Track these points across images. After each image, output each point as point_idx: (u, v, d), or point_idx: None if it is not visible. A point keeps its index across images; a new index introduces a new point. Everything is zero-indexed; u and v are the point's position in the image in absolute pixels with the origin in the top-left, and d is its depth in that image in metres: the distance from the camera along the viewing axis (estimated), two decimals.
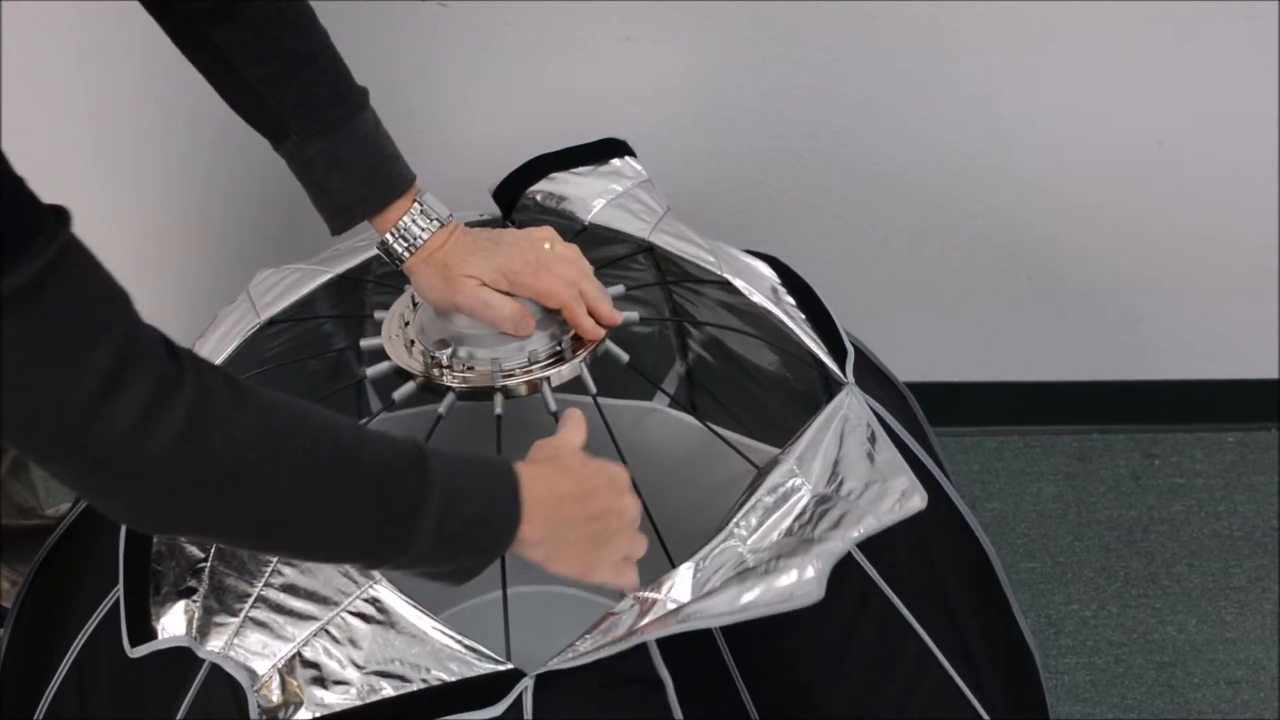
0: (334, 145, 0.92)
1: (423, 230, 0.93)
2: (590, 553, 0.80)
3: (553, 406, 0.92)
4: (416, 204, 0.94)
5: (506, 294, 0.92)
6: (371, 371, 0.97)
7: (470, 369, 0.94)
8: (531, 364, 0.94)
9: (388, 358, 0.97)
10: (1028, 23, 1.45)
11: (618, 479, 0.82)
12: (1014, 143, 1.56)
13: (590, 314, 0.94)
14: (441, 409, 0.93)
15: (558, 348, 0.95)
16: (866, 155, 1.56)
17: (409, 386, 0.95)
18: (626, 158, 1.15)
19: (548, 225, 0.98)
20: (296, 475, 0.68)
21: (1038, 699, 1.06)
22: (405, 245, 0.94)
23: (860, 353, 1.08)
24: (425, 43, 1.47)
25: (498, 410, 0.92)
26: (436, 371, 0.94)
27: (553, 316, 0.95)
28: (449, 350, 0.94)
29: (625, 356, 0.98)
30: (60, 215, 0.61)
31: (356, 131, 0.93)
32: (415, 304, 1.00)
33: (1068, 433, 1.83)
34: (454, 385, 0.93)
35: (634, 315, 1.00)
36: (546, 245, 0.94)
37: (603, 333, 0.95)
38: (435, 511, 0.71)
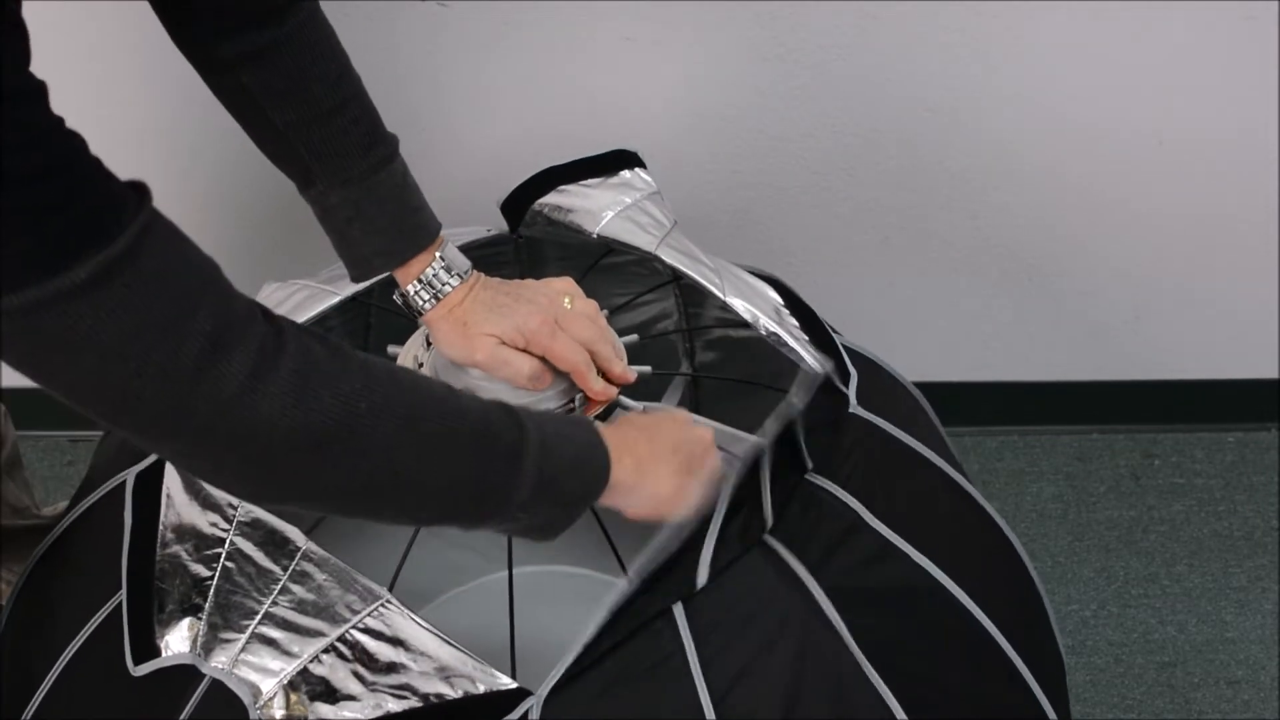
0: (358, 197, 0.91)
1: (444, 285, 0.92)
2: (686, 479, 0.83)
3: None
4: (439, 258, 0.93)
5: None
6: None
7: None
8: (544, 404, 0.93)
9: None
10: (1028, 23, 1.45)
11: (678, 415, 0.86)
12: (1014, 142, 1.55)
13: (603, 374, 0.94)
14: None
15: (571, 405, 0.94)
16: (866, 155, 1.56)
17: None
18: (636, 169, 1.14)
19: (568, 276, 0.96)
20: (404, 425, 0.68)
21: (1063, 695, 1.05)
22: (426, 299, 0.92)
23: (866, 360, 1.08)
24: (426, 43, 1.46)
25: None
26: None
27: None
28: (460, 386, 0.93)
29: (648, 369, 0.99)
30: (140, 190, 0.62)
31: (383, 184, 0.92)
32: (429, 344, 0.99)
33: (1068, 433, 1.83)
34: None
35: (647, 369, 0.99)
36: (566, 301, 0.93)
37: (614, 393, 0.94)
38: (534, 458, 0.73)
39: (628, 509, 0.82)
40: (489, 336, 0.91)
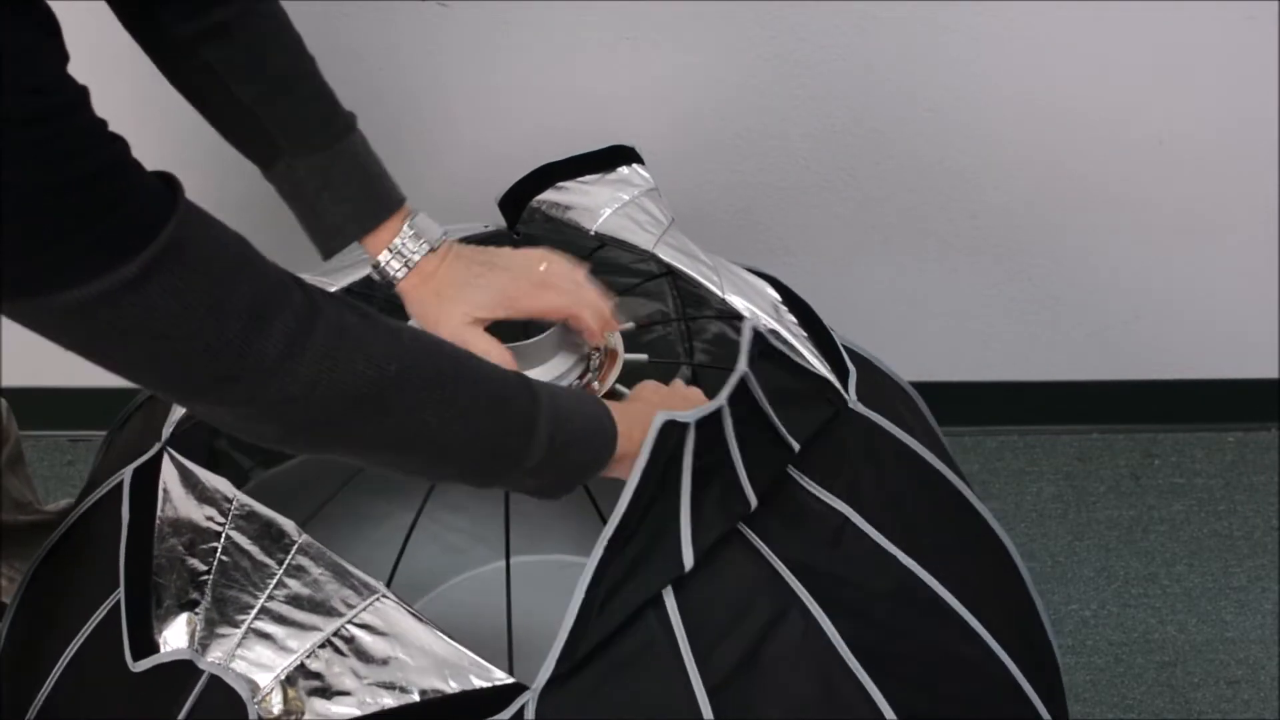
0: (326, 164, 0.93)
1: (413, 253, 0.93)
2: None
3: None
4: (408, 225, 0.94)
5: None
6: None
7: None
8: None
9: None
10: (1028, 23, 1.45)
11: (684, 390, 0.90)
12: (1014, 142, 1.55)
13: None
14: None
15: (586, 372, 0.95)
16: (867, 155, 1.56)
17: None
18: (634, 165, 1.14)
19: (545, 245, 0.97)
20: (431, 384, 0.73)
21: (1059, 696, 1.06)
22: (397, 269, 0.94)
23: (864, 359, 1.08)
24: (426, 43, 1.47)
25: None
26: None
27: (560, 348, 0.95)
28: None
29: (644, 357, 0.99)
30: (172, 183, 0.66)
31: (347, 151, 0.94)
32: None
33: (1068, 433, 1.83)
34: None
35: (642, 357, 1.00)
36: (542, 266, 0.94)
37: (615, 324, 0.97)
38: (547, 423, 0.77)
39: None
40: (461, 311, 0.92)
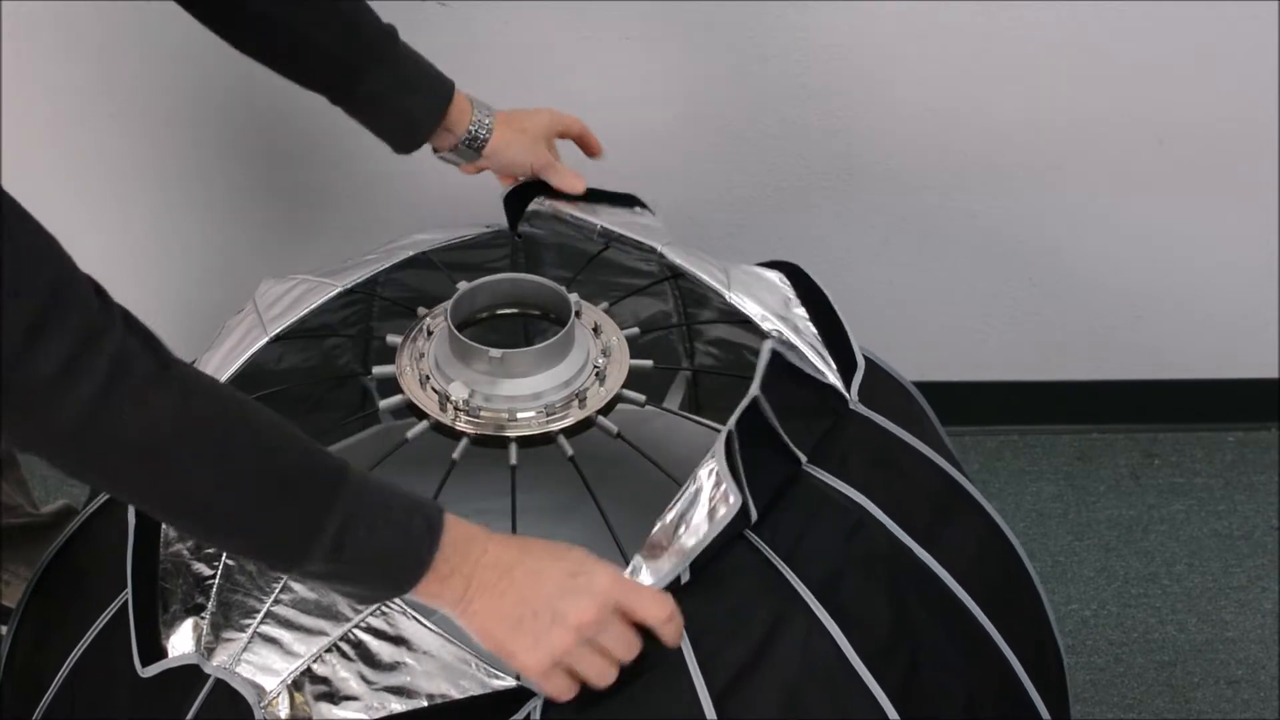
0: (393, 70, 1.04)
1: (486, 115, 1.10)
2: (512, 635, 0.74)
3: (569, 452, 0.92)
4: (466, 99, 1.09)
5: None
6: (384, 404, 0.97)
7: (484, 412, 0.93)
8: (549, 414, 0.93)
9: (400, 390, 0.96)
10: (1028, 23, 1.45)
11: (596, 584, 0.75)
12: (1014, 142, 1.55)
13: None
14: (455, 454, 0.92)
15: (572, 395, 0.94)
16: (867, 155, 1.56)
17: (421, 427, 0.94)
18: (637, 208, 1.16)
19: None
20: (203, 461, 0.67)
21: (1063, 698, 1.05)
22: (488, 124, 1.10)
23: (866, 360, 1.07)
24: (426, 43, 1.46)
25: (512, 461, 0.92)
26: (451, 413, 0.94)
27: (565, 354, 0.95)
28: (467, 393, 0.93)
29: (649, 363, 0.99)
30: None
31: (404, 53, 1.06)
32: (430, 333, 1.00)
33: (1068, 433, 1.83)
34: (467, 430, 0.93)
35: (648, 363, 1.00)
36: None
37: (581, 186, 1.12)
38: (332, 535, 0.69)
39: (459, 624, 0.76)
40: (532, 137, 1.14)
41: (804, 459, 0.91)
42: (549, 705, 0.77)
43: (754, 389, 0.88)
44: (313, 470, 0.70)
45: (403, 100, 1.05)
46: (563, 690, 0.75)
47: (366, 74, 1.03)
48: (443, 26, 1.44)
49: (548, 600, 0.74)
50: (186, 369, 0.68)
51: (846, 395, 0.98)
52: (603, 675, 0.75)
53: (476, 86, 1.49)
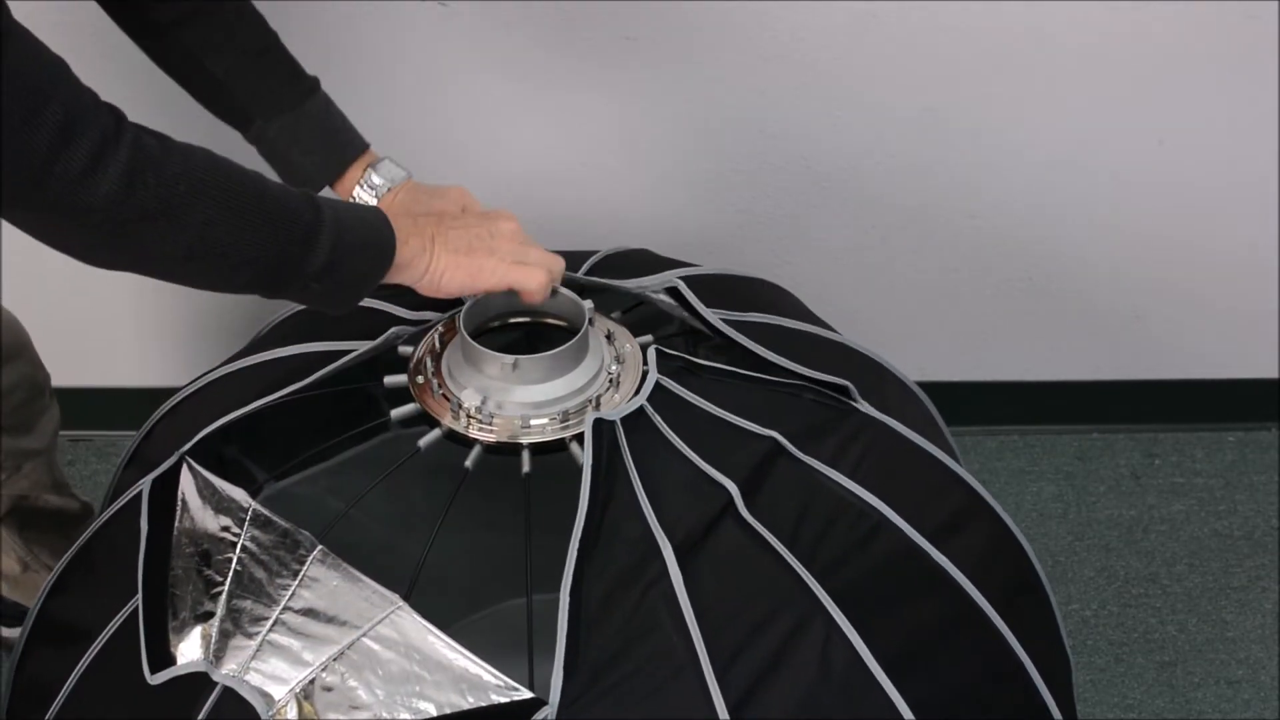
0: (293, 123, 1.06)
1: (375, 189, 1.07)
2: (468, 259, 0.93)
3: (581, 461, 0.92)
4: (370, 170, 1.07)
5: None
6: (396, 413, 0.96)
7: (497, 420, 0.93)
8: (563, 420, 0.93)
9: (413, 399, 0.96)
10: (1028, 22, 1.45)
11: (494, 215, 0.97)
12: (1014, 142, 1.55)
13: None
14: (468, 462, 0.92)
15: (586, 401, 0.94)
16: (867, 155, 1.56)
17: (434, 435, 0.94)
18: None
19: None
20: (216, 203, 0.81)
21: (1068, 696, 1.06)
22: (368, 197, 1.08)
23: (869, 360, 1.07)
24: (426, 43, 1.46)
25: (525, 468, 0.91)
26: (464, 421, 0.93)
27: (580, 360, 0.95)
28: (480, 400, 0.93)
29: (649, 338, 1.02)
30: None
31: (311, 110, 1.07)
32: (443, 343, 1.00)
33: (1068, 433, 1.83)
34: (480, 438, 0.92)
35: (648, 338, 1.01)
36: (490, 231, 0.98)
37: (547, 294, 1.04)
38: (329, 234, 0.85)
39: (417, 287, 0.93)
40: None
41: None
42: (562, 713, 0.76)
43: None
44: (291, 193, 0.87)
45: (292, 155, 1.08)
46: (536, 275, 0.95)
47: (270, 123, 1.06)
48: (443, 26, 1.44)
49: (479, 226, 0.96)
50: (176, 141, 0.81)
51: (849, 388, 0.99)
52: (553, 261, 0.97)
53: (476, 87, 1.49)
